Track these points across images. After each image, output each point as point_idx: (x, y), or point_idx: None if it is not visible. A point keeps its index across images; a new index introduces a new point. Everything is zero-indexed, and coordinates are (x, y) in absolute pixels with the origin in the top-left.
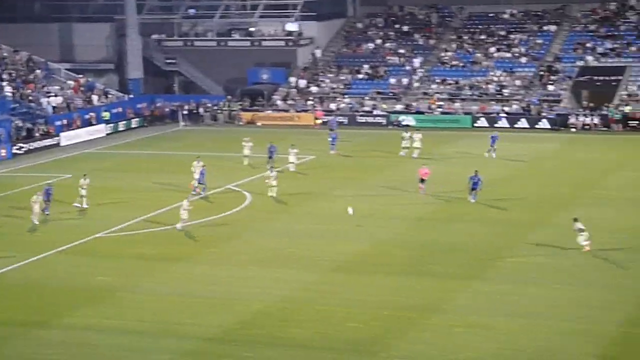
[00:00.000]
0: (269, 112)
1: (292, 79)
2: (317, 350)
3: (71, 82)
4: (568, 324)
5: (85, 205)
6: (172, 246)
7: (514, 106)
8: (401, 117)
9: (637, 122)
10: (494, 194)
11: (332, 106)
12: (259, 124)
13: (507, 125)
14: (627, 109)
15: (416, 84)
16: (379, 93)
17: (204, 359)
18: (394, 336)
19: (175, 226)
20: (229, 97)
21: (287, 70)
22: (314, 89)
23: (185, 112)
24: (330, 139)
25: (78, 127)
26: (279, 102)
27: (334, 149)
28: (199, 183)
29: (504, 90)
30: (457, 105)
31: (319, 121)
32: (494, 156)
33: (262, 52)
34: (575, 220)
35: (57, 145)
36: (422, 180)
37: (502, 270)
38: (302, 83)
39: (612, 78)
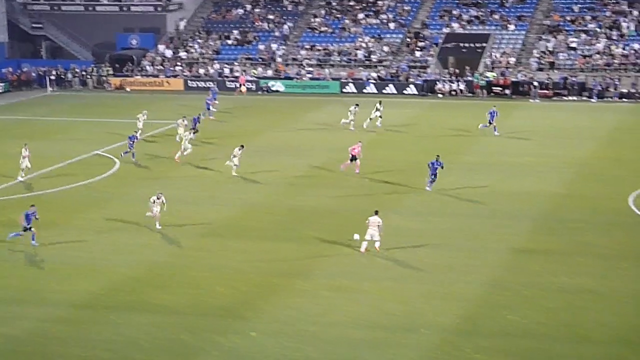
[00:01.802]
0: (138, 77)
1: (161, 47)
2: (187, 315)
3: None
4: (433, 287)
5: (19, 179)
6: (39, 213)
7: (382, 72)
8: (270, 83)
9: (501, 88)
10: (362, 160)
11: (201, 72)
12: (128, 89)
13: (375, 91)
14: (490, 75)
15: (284, 50)
16: (248, 59)
17: (72, 326)
18: (264, 301)
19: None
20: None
21: (156, 36)
22: (183, 54)
23: (52, 78)
24: (206, 105)
25: None
26: (148, 68)
27: (211, 114)
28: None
29: (372, 56)
30: (326, 71)
31: (244, 88)
32: (495, 133)
33: (131, 17)
34: (376, 213)
35: None
36: (354, 158)
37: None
38: (169, 53)
39: (477, 45)
